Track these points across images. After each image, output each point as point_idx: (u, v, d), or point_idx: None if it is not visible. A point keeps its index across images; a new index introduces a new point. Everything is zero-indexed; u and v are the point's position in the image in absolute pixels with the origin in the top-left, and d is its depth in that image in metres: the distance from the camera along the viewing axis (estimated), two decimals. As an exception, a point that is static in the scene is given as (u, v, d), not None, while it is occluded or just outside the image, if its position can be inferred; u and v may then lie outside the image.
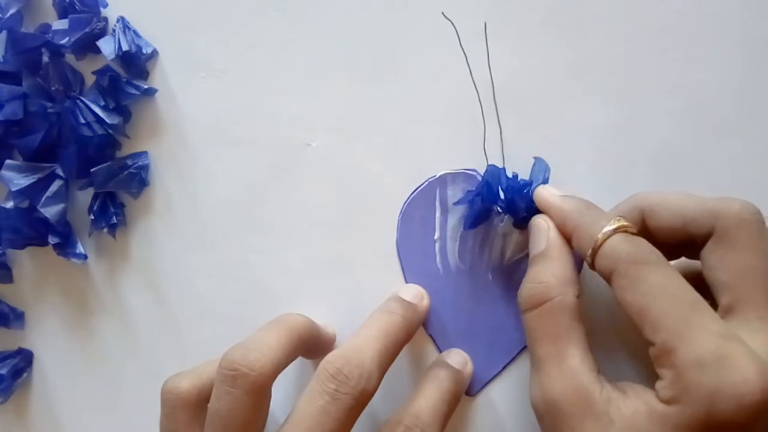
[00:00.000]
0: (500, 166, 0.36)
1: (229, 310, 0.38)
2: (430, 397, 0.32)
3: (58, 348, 0.39)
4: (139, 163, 0.39)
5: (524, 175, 0.35)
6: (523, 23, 0.37)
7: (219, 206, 0.38)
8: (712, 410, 0.25)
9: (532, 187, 0.34)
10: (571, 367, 0.29)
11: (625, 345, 0.35)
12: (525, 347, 0.36)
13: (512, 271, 0.36)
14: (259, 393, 0.29)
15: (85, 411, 0.39)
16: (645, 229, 0.31)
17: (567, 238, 0.32)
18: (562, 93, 0.37)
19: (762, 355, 0.26)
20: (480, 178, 0.36)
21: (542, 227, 0.33)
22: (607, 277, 0.29)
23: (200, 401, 0.32)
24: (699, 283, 0.29)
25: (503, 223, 0.36)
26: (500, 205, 0.35)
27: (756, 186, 0.36)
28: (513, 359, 0.36)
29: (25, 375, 0.39)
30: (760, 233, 0.29)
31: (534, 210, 0.34)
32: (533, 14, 0.37)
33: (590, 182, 0.36)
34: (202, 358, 0.37)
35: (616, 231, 0.30)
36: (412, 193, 0.37)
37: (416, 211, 0.37)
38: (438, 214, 0.37)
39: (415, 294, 0.35)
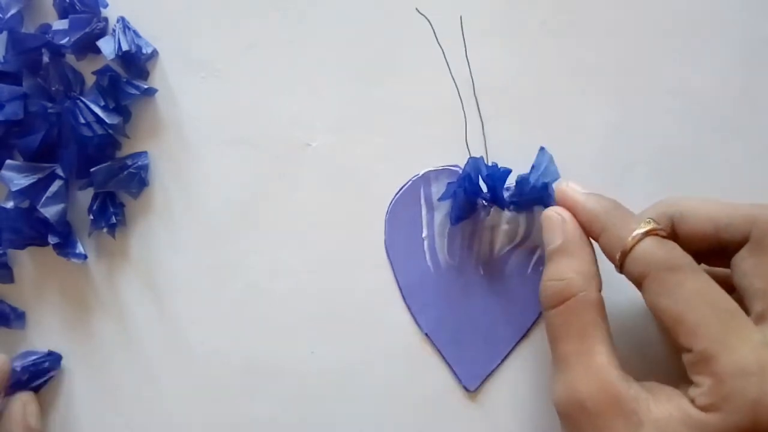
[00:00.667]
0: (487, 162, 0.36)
1: (228, 310, 0.38)
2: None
3: (58, 348, 0.39)
4: (139, 163, 0.39)
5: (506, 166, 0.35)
6: (524, 24, 0.37)
7: (219, 206, 0.38)
8: (757, 420, 0.25)
9: (533, 176, 0.34)
10: (598, 364, 0.28)
11: (641, 347, 0.35)
12: (521, 340, 0.36)
13: (503, 263, 0.36)
14: None
15: (84, 411, 0.39)
16: (674, 235, 0.31)
17: (591, 236, 0.31)
18: (562, 93, 0.37)
19: None
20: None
21: (556, 220, 0.32)
22: (638, 281, 0.29)
23: None
24: (725, 289, 0.29)
25: (489, 216, 0.36)
26: (483, 197, 0.35)
27: (756, 186, 0.36)
28: (510, 353, 0.36)
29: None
30: None
31: (521, 196, 0.35)
32: (534, 15, 0.37)
33: (590, 182, 0.36)
34: (201, 357, 0.37)
35: (647, 234, 0.29)
36: (396, 193, 0.37)
37: (402, 211, 0.37)
38: (424, 212, 0.37)
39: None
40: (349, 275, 0.37)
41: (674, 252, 0.29)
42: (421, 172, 0.37)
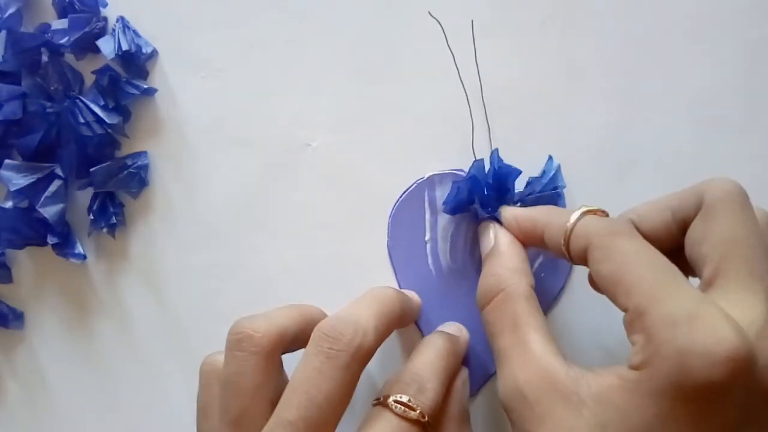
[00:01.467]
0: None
1: (228, 310, 0.38)
2: (425, 355, 0.32)
3: (57, 348, 0.39)
4: (139, 162, 0.39)
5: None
6: (524, 24, 0.37)
7: (218, 206, 0.38)
8: (684, 369, 0.24)
9: (541, 182, 0.35)
10: (533, 352, 0.28)
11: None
12: None
13: None
14: (264, 354, 0.29)
15: (84, 411, 0.39)
16: None
17: (539, 243, 0.32)
18: (562, 93, 0.37)
19: (744, 321, 0.25)
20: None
21: (487, 227, 0.34)
22: (583, 257, 0.29)
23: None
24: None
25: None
26: (484, 194, 0.35)
27: (756, 186, 0.36)
28: None
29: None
30: (744, 206, 0.28)
31: (528, 196, 0.35)
32: (534, 15, 0.37)
33: (590, 182, 0.37)
34: (201, 357, 0.37)
35: (585, 213, 0.30)
36: (401, 196, 0.37)
37: (406, 214, 0.37)
38: (428, 215, 0.37)
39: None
40: (349, 275, 0.37)
41: (613, 221, 0.29)
42: (426, 175, 0.37)
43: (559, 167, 0.36)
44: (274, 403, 0.29)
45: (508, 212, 0.34)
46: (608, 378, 0.26)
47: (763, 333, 0.25)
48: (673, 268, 0.26)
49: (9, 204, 0.38)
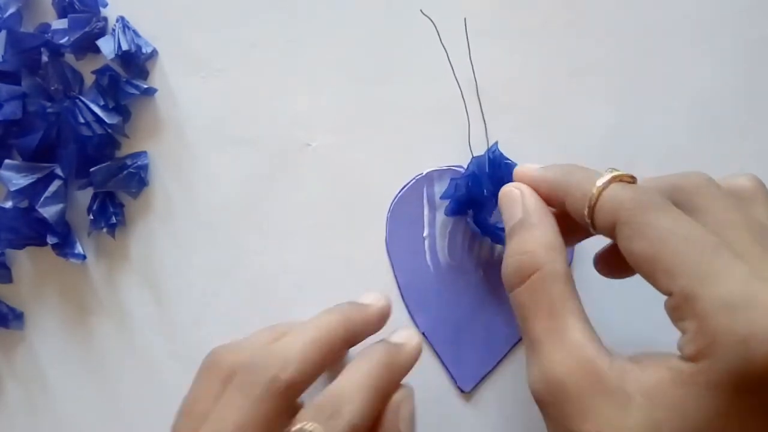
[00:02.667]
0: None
1: (228, 310, 0.38)
2: (352, 371, 0.29)
3: (57, 348, 0.39)
4: (139, 163, 0.38)
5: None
6: (524, 24, 0.37)
7: (218, 206, 0.38)
8: (749, 358, 0.21)
9: None
10: (572, 339, 0.25)
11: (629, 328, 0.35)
12: (518, 342, 0.36)
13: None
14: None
15: (84, 411, 0.39)
16: None
17: (556, 206, 0.29)
18: (562, 92, 0.37)
19: None
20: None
21: (515, 194, 0.30)
22: (611, 232, 0.26)
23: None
24: None
25: (492, 217, 0.36)
26: (483, 191, 0.34)
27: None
28: (506, 355, 0.36)
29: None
30: (725, 193, 0.26)
31: None
32: (534, 15, 0.37)
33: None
34: (201, 358, 0.36)
35: (611, 181, 0.27)
36: (399, 192, 0.37)
37: (404, 209, 0.37)
38: (426, 211, 0.37)
39: (371, 298, 0.33)
40: (348, 275, 0.37)
41: (642, 191, 0.26)
42: (425, 171, 0.37)
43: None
44: None
45: (524, 174, 0.31)
46: (658, 371, 0.24)
47: None
48: (717, 242, 0.24)
49: (9, 204, 0.38)
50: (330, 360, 0.29)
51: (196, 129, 0.38)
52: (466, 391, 0.36)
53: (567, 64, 0.37)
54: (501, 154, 0.35)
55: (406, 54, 0.38)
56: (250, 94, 0.38)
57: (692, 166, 0.36)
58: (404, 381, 0.31)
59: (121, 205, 0.39)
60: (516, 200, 0.29)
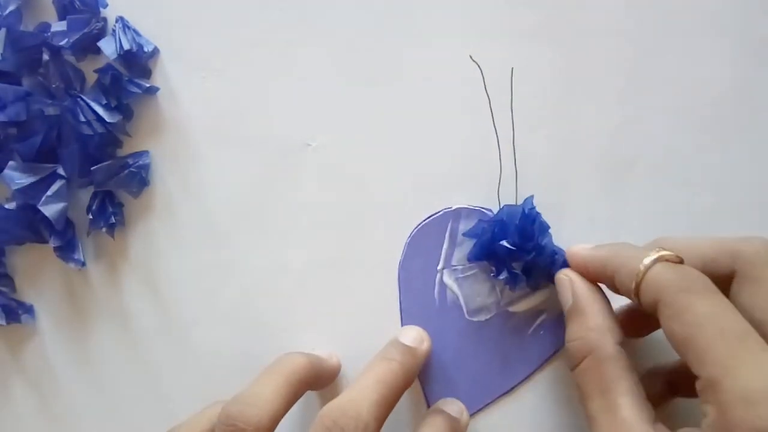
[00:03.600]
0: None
1: (228, 310, 0.38)
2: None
3: (57, 348, 0.39)
4: (140, 162, 0.38)
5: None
6: (527, 24, 0.37)
7: (219, 206, 0.38)
8: None
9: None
10: (623, 418, 0.27)
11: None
12: (504, 395, 0.36)
13: (507, 317, 0.36)
14: None
15: (83, 409, 0.39)
16: None
17: (609, 284, 0.31)
18: (563, 92, 0.37)
19: None
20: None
21: (564, 282, 0.32)
22: (653, 310, 0.28)
23: None
24: None
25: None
26: (509, 242, 0.34)
27: (756, 187, 0.36)
28: (489, 404, 0.36)
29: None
30: None
31: (544, 262, 0.34)
32: (536, 14, 0.37)
33: (590, 182, 0.37)
34: (201, 358, 0.37)
35: (657, 260, 0.28)
36: (424, 220, 0.37)
37: (425, 239, 0.37)
38: (446, 245, 0.37)
39: (415, 337, 0.35)
40: (348, 275, 0.37)
41: (687, 273, 0.28)
42: (454, 207, 0.37)
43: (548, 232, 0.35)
44: None
45: (576, 253, 0.32)
46: None
47: None
48: (747, 331, 0.25)
49: (12, 205, 0.38)
50: (390, 412, 0.31)
51: (197, 129, 0.38)
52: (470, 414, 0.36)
53: (566, 63, 0.37)
54: (537, 213, 0.34)
55: (406, 54, 0.38)
56: (250, 94, 0.38)
57: (692, 167, 0.36)
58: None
59: (121, 205, 0.39)
60: (566, 287, 0.32)
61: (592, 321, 0.30)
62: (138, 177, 0.38)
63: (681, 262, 0.29)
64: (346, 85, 0.38)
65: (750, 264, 0.28)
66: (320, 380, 0.34)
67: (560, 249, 0.34)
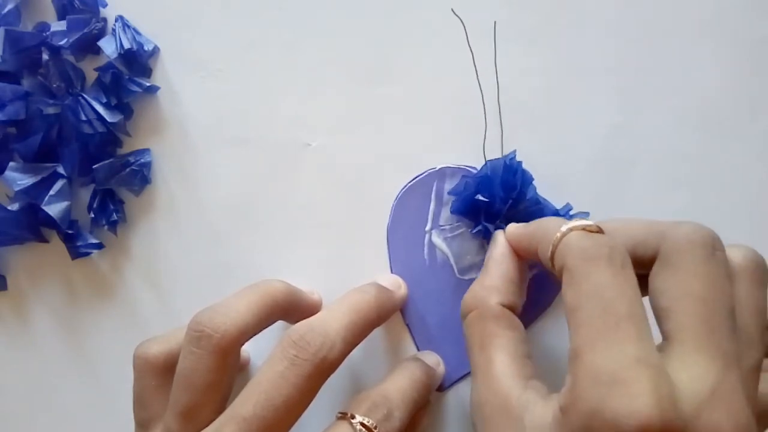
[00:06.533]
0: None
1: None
2: (400, 382, 0.32)
3: (58, 346, 0.39)
4: (141, 160, 0.39)
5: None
6: (526, 24, 0.37)
7: (219, 205, 0.38)
8: (590, 429, 0.23)
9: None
10: (494, 373, 0.28)
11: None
12: None
13: None
14: (222, 354, 0.29)
15: (84, 407, 0.39)
16: None
17: (532, 256, 0.31)
18: (563, 92, 0.37)
19: (689, 389, 0.23)
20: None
21: (494, 238, 0.33)
22: (560, 276, 0.27)
23: (168, 366, 0.32)
24: None
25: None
26: (484, 195, 0.34)
27: (756, 186, 0.36)
28: None
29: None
30: (708, 259, 0.25)
31: (525, 212, 0.35)
32: (536, 15, 0.37)
33: (590, 182, 0.37)
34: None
35: (573, 228, 0.27)
36: (409, 182, 0.37)
37: (411, 200, 0.37)
38: (432, 206, 0.37)
39: (393, 282, 0.36)
40: (349, 275, 0.37)
41: (599, 242, 0.26)
42: (438, 167, 0.37)
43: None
44: (226, 398, 0.30)
45: (510, 227, 0.33)
46: (549, 410, 0.25)
47: (709, 404, 0.23)
48: (633, 318, 0.24)
49: (15, 206, 0.38)
50: (361, 341, 0.31)
51: (197, 128, 0.39)
52: (444, 389, 0.37)
53: (566, 63, 0.37)
54: (519, 162, 0.35)
55: (405, 54, 0.37)
56: (250, 94, 0.38)
57: (692, 167, 0.36)
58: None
59: (121, 202, 0.39)
60: (492, 243, 0.33)
61: (489, 279, 0.32)
62: (139, 175, 0.38)
63: (598, 230, 0.27)
64: (346, 84, 0.38)
65: (673, 248, 0.26)
66: (297, 311, 0.34)
67: (546, 200, 0.35)
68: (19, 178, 0.38)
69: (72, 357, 0.39)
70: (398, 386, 0.32)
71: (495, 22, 0.36)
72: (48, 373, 0.39)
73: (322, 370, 0.29)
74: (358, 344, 0.31)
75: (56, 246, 0.39)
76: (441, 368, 0.36)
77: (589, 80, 0.37)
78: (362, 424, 0.29)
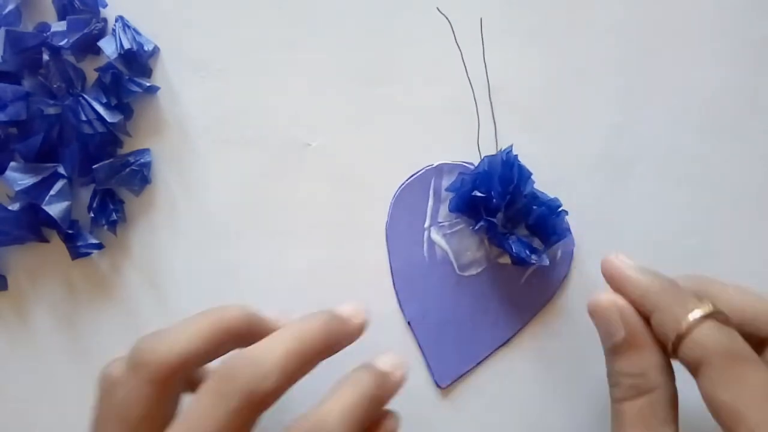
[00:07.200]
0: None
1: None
2: (343, 399, 0.28)
3: (58, 346, 0.39)
4: (141, 160, 0.39)
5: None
6: (525, 23, 0.37)
7: (219, 205, 0.38)
8: None
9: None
10: None
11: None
12: (500, 346, 0.36)
13: (498, 269, 0.36)
14: (160, 384, 0.27)
15: (84, 408, 0.38)
16: None
17: (642, 316, 0.30)
18: (563, 92, 0.37)
19: None
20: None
21: (613, 311, 0.30)
22: (695, 368, 0.27)
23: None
24: None
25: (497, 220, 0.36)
26: (481, 191, 0.34)
27: (756, 187, 0.36)
28: (487, 357, 0.36)
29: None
30: None
31: (523, 207, 0.34)
32: (535, 14, 0.37)
33: (590, 182, 0.37)
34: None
35: (706, 317, 0.27)
36: (407, 179, 0.37)
37: (409, 198, 0.37)
38: (431, 203, 0.37)
39: (350, 311, 0.31)
40: (349, 275, 0.38)
41: (736, 340, 0.27)
42: (435, 163, 0.37)
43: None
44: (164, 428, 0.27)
45: (618, 269, 0.30)
46: None
47: None
48: None
49: (16, 206, 0.38)
50: (305, 372, 0.28)
51: (197, 129, 0.39)
52: (443, 388, 0.37)
53: (566, 63, 0.37)
54: (515, 156, 0.35)
55: (405, 54, 0.38)
56: (250, 94, 0.38)
57: (692, 167, 0.36)
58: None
59: (121, 202, 0.39)
60: (615, 317, 0.30)
61: (654, 357, 0.29)
62: (139, 175, 0.38)
63: (727, 320, 0.27)
64: (346, 84, 0.38)
65: None
66: (257, 339, 0.29)
67: (544, 194, 0.35)
68: (20, 178, 0.37)
69: (72, 357, 0.39)
70: (336, 403, 0.27)
71: (481, 19, 0.36)
72: (48, 373, 0.39)
73: (252, 404, 0.26)
74: (301, 375, 0.28)
75: (56, 246, 0.39)
76: (400, 371, 0.31)
77: (590, 80, 0.37)
78: None
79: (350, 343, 0.31)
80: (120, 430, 0.27)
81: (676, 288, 0.29)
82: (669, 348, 0.28)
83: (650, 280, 0.29)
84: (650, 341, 0.29)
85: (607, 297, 0.30)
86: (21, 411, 0.39)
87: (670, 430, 0.28)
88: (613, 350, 0.30)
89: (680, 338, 0.27)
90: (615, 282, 0.30)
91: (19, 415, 0.39)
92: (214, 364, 0.29)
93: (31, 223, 0.39)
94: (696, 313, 0.27)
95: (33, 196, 0.38)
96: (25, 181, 0.38)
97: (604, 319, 0.30)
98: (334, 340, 0.30)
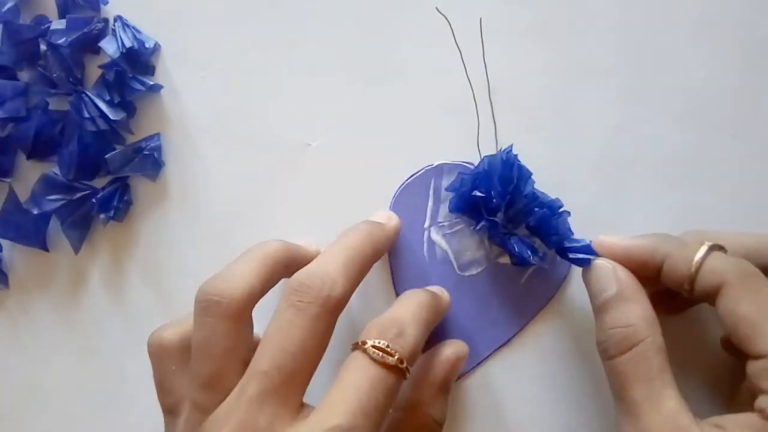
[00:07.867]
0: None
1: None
2: (405, 304, 0.31)
3: (59, 343, 0.40)
4: (152, 144, 0.38)
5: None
6: (525, 22, 0.36)
7: (219, 204, 0.39)
8: None
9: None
10: (669, 408, 0.28)
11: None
12: (500, 347, 0.37)
13: (498, 269, 0.37)
14: (234, 319, 0.29)
15: (86, 400, 0.40)
16: None
17: (650, 273, 0.31)
18: (563, 92, 0.37)
19: None
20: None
21: (607, 269, 0.31)
22: (712, 293, 0.29)
23: (184, 348, 0.32)
24: None
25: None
26: (481, 191, 0.34)
27: (756, 186, 0.36)
28: (487, 358, 0.37)
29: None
30: None
31: (523, 207, 0.34)
32: (535, 13, 0.36)
33: (590, 182, 0.37)
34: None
35: (712, 249, 0.30)
36: (407, 179, 0.37)
37: (409, 198, 0.37)
38: (431, 203, 0.37)
39: (384, 216, 0.36)
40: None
41: (746, 263, 0.29)
42: (435, 163, 0.37)
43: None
44: (246, 362, 0.29)
45: (614, 243, 0.32)
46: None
47: None
48: None
49: (35, 210, 0.38)
50: (363, 276, 0.32)
51: (198, 129, 0.39)
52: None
53: (566, 63, 0.36)
54: (515, 156, 0.34)
55: (406, 54, 0.37)
56: (250, 94, 0.38)
57: (692, 167, 0.36)
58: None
59: (127, 202, 0.39)
60: (609, 274, 0.31)
61: (644, 310, 0.30)
62: (151, 159, 0.38)
63: (725, 251, 0.30)
64: (346, 84, 0.38)
65: None
66: (299, 266, 0.32)
67: (544, 194, 0.35)
68: (50, 195, 0.38)
69: (74, 355, 0.40)
70: (405, 308, 0.31)
71: (481, 19, 0.35)
72: (49, 372, 0.40)
73: (329, 309, 0.29)
74: (360, 280, 0.31)
75: (59, 244, 0.40)
76: (446, 295, 0.35)
77: (590, 80, 0.36)
78: (375, 347, 0.28)
79: (391, 244, 0.36)
80: (207, 366, 0.29)
81: (676, 237, 0.32)
82: (685, 287, 0.30)
83: (652, 238, 0.32)
84: (642, 296, 0.31)
85: (601, 259, 0.32)
86: (21, 410, 0.40)
87: (669, 376, 0.29)
88: (604, 307, 0.31)
89: (697, 271, 0.29)
90: (619, 256, 0.32)
91: (19, 414, 0.40)
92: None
93: (41, 230, 0.39)
94: (703, 249, 0.30)
95: (58, 213, 0.39)
96: (53, 197, 0.39)
97: (599, 276, 0.32)
98: (378, 243, 0.33)
